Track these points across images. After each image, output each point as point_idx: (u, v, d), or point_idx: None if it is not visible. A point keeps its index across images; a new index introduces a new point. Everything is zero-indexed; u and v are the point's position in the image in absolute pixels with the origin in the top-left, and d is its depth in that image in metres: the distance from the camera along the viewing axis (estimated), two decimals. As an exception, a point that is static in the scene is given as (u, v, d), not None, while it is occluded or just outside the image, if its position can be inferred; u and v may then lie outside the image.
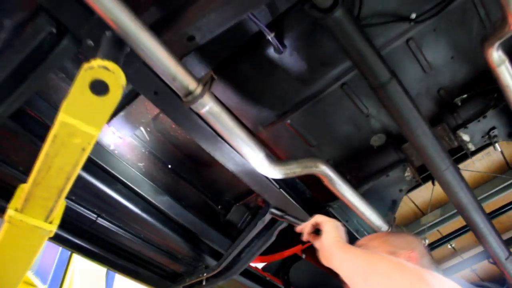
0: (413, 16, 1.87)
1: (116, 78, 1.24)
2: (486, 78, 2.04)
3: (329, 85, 2.07)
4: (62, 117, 1.30)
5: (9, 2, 1.40)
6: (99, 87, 1.26)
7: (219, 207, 2.53)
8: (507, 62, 1.79)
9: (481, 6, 1.89)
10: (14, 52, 1.43)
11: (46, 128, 1.41)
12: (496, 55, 1.75)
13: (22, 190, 1.60)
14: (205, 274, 2.36)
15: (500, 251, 2.65)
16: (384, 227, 2.35)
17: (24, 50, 1.43)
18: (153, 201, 2.12)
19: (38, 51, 1.45)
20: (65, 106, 1.28)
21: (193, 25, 1.47)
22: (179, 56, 1.52)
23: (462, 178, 2.22)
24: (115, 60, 1.28)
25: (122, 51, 1.41)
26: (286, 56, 1.93)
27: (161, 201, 2.14)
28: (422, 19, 1.88)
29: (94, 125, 1.34)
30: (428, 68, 2.10)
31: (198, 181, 2.40)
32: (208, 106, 1.52)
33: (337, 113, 2.22)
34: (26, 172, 1.83)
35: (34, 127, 1.80)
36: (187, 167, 2.30)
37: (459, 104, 2.25)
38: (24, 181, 1.49)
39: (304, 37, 1.89)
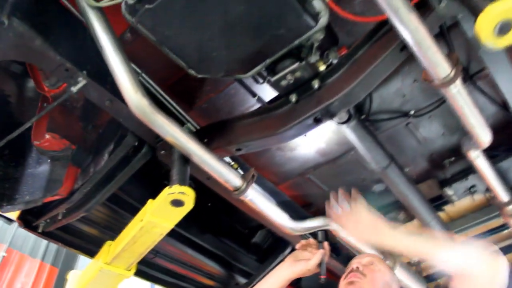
0: (412, 112, 2.35)
1: (190, 198, 1.78)
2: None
3: (343, 153, 2.58)
4: (149, 217, 1.85)
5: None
6: (177, 203, 1.78)
7: (246, 231, 3.11)
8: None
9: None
10: (110, 160, 1.95)
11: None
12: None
13: (109, 247, 2.18)
14: (236, 291, 2.99)
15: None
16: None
17: (116, 158, 1.95)
18: (196, 239, 2.69)
19: (124, 158, 1.97)
20: (151, 211, 1.83)
21: (242, 142, 1.96)
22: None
23: (440, 221, 2.76)
24: (187, 181, 1.81)
25: (188, 166, 1.92)
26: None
27: (203, 238, 2.72)
28: (419, 114, 2.35)
29: (171, 222, 1.89)
30: (423, 140, 2.59)
31: (232, 212, 2.96)
32: (250, 196, 2.05)
33: (347, 170, 2.74)
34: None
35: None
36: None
37: (447, 165, 2.74)
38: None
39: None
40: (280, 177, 2.79)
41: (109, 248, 2.19)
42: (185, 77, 1.77)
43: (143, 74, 2.00)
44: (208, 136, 2.07)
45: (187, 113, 2.21)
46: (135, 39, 1.95)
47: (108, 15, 1.60)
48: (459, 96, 1.69)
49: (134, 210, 2.34)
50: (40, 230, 2.26)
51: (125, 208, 2.42)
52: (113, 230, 2.50)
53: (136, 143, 1.96)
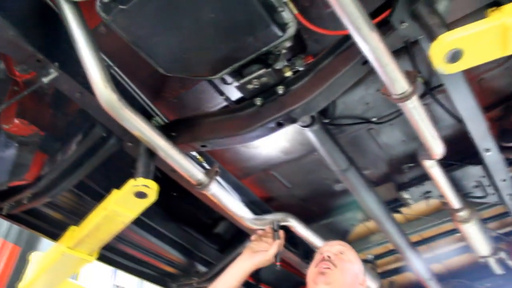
0: (374, 119, 2.46)
1: (153, 191, 1.85)
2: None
3: (306, 153, 2.68)
4: (113, 206, 1.91)
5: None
6: (141, 195, 1.85)
7: (209, 221, 3.19)
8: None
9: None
10: (78, 149, 1.99)
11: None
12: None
13: (73, 232, 2.23)
14: (196, 279, 3.07)
15: (423, 271, 3.39)
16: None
17: (84, 147, 2.00)
18: (159, 228, 2.76)
19: (93, 149, 2.02)
20: (115, 200, 1.89)
21: (207, 140, 2.03)
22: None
23: (395, 223, 2.89)
24: (151, 175, 1.87)
25: (153, 161, 1.98)
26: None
27: (166, 227, 2.79)
28: (381, 122, 2.46)
29: (133, 213, 1.95)
30: (383, 145, 2.71)
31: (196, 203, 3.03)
32: (212, 190, 2.13)
33: (310, 168, 2.84)
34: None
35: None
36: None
37: (406, 170, 2.87)
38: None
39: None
40: (244, 172, 2.87)
41: (72, 233, 2.23)
42: (156, 72, 1.81)
43: (115, 68, 2.03)
44: (176, 130, 2.13)
45: (156, 106, 2.25)
46: (109, 32, 1.98)
47: (84, 8, 1.64)
48: (415, 111, 1.80)
49: (98, 196, 2.40)
50: (4, 213, 2.28)
51: (89, 193, 2.46)
52: (77, 214, 2.53)
53: (104, 134, 2.00)
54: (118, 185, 2.31)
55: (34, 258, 2.65)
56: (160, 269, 3.22)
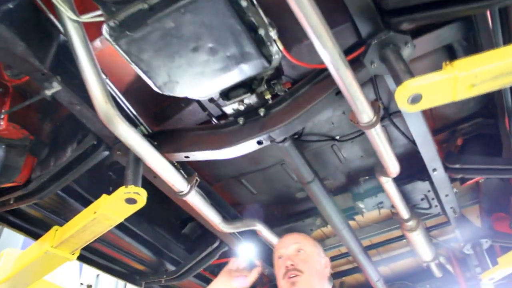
0: (338, 137, 2.73)
1: (142, 198, 2.02)
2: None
3: (274, 164, 2.92)
4: (103, 210, 2.06)
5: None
6: (130, 201, 2.02)
7: (178, 222, 3.37)
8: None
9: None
10: (70, 155, 2.13)
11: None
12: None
13: (56, 231, 2.35)
14: (164, 277, 3.24)
15: (372, 273, 3.71)
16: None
17: (76, 154, 2.14)
18: (132, 227, 2.91)
19: (83, 154, 2.16)
20: (105, 205, 2.05)
21: (190, 151, 2.22)
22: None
23: (350, 229, 3.18)
24: (140, 182, 2.05)
25: (140, 168, 2.15)
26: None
27: (138, 226, 2.94)
28: (344, 140, 2.74)
29: (122, 216, 2.12)
30: (344, 160, 2.99)
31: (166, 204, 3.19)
32: (191, 198, 2.33)
33: (275, 178, 3.07)
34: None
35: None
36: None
37: (362, 182, 3.16)
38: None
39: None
40: (215, 178, 3.07)
41: (55, 233, 2.36)
42: (144, 85, 1.97)
43: (107, 80, 2.18)
44: (158, 140, 2.30)
45: (140, 116, 2.41)
46: (105, 47, 2.13)
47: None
48: (377, 136, 2.07)
49: (79, 197, 2.54)
50: (-14, 213, 2.38)
51: (70, 195, 2.59)
52: (57, 214, 2.66)
53: (95, 142, 2.15)
54: (97, 186, 2.48)
55: (8, 255, 2.74)
56: (130, 266, 3.36)
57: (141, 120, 2.37)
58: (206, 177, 3.05)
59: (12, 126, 2.21)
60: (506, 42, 1.84)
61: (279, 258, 2.11)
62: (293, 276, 1.94)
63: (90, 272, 5.31)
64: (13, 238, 4.46)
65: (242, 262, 2.14)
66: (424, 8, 1.66)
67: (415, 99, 1.63)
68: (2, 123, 2.21)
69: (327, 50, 1.64)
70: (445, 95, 1.63)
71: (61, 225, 2.54)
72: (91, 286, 5.14)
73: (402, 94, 1.62)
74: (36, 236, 2.60)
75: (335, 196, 3.20)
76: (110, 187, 2.69)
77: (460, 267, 4.27)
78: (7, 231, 4.46)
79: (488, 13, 1.86)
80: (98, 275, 5.72)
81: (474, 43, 2.16)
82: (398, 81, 1.67)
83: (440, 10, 1.64)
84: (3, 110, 2.18)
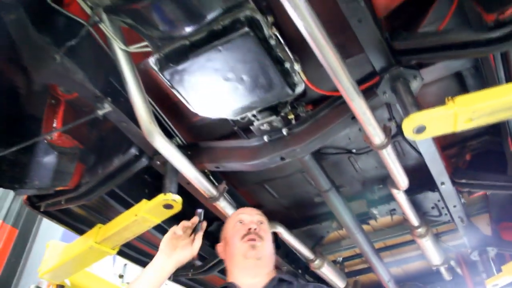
0: (354, 150, 2.97)
1: (179, 204, 2.31)
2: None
3: (294, 172, 3.18)
4: (143, 214, 2.36)
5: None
6: (168, 207, 2.31)
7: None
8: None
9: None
10: (116, 164, 2.43)
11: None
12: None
13: (99, 229, 2.66)
14: (191, 271, 3.53)
15: (384, 274, 3.96)
16: (310, 256, 3.57)
17: (120, 163, 2.44)
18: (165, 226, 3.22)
19: (126, 164, 2.46)
20: (146, 209, 2.34)
21: (221, 163, 2.50)
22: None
23: (364, 232, 3.43)
24: (176, 190, 2.33)
25: (177, 176, 2.44)
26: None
27: (170, 225, 3.24)
28: (359, 153, 2.98)
29: (159, 219, 2.41)
30: (359, 170, 3.23)
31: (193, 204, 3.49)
32: (222, 202, 2.60)
33: (296, 184, 3.33)
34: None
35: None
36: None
37: (376, 190, 3.40)
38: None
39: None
40: (240, 182, 3.34)
41: (98, 230, 2.68)
42: (180, 102, 2.23)
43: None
44: (192, 150, 2.59)
45: (175, 128, 2.69)
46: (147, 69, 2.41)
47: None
48: (388, 156, 2.32)
49: (117, 198, 2.84)
50: (41, 210, 2.69)
51: (110, 196, 2.88)
52: (99, 212, 2.97)
53: (137, 153, 2.44)
54: (134, 188, 2.77)
55: (53, 246, 3.08)
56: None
57: (176, 132, 2.65)
58: (232, 182, 3.31)
59: (65, 136, 2.51)
60: (507, 78, 2.05)
61: (239, 222, 2.02)
62: (254, 240, 1.88)
63: (118, 263, 5.66)
64: (53, 229, 4.81)
65: (183, 227, 1.90)
66: (430, 51, 1.89)
67: (420, 130, 1.87)
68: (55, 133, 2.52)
69: (342, 84, 1.89)
70: (446, 127, 1.87)
71: (101, 222, 2.87)
72: (122, 276, 5.47)
73: (408, 125, 1.86)
74: (79, 231, 2.90)
75: (351, 202, 3.43)
76: (145, 189, 3.00)
77: (469, 272, 4.47)
78: (47, 223, 4.80)
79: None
80: (125, 265, 6.07)
81: (482, 70, 2.37)
82: (405, 113, 1.91)
83: (445, 53, 1.87)
84: (54, 125, 2.48)
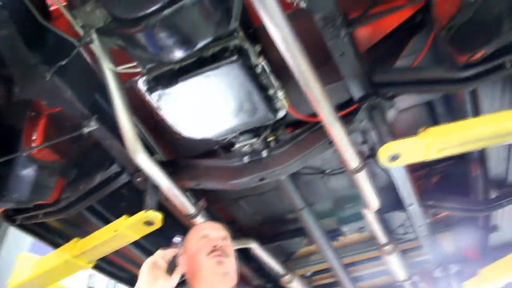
0: (328, 171, 3.09)
1: (158, 221, 2.36)
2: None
3: (270, 190, 3.27)
4: (123, 229, 2.39)
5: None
6: (148, 223, 2.35)
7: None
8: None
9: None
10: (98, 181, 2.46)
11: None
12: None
13: (76, 243, 2.67)
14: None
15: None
16: (281, 271, 3.67)
17: (101, 179, 2.47)
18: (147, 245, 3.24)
19: (107, 180, 2.49)
20: (126, 225, 2.38)
21: (201, 181, 2.56)
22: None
23: (333, 248, 3.54)
24: (157, 207, 2.38)
25: (157, 193, 2.49)
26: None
27: (152, 242, 3.28)
28: (333, 173, 3.10)
29: (139, 235, 2.45)
30: (332, 189, 3.35)
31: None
32: (200, 220, 2.66)
33: (270, 201, 3.43)
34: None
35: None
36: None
37: (347, 208, 3.53)
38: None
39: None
40: (216, 198, 3.40)
41: (75, 244, 2.68)
42: (162, 121, 2.29)
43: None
44: (173, 167, 2.64)
45: (156, 144, 2.74)
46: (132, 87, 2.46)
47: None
48: (362, 178, 2.44)
49: (94, 211, 2.86)
50: (16, 224, 2.68)
51: (87, 209, 2.89)
52: (75, 226, 2.98)
53: (119, 170, 2.48)
54: (111, 201, 2.79)
55: (23, 259, 3.05)
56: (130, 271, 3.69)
57: (157, 149, 2.70)
58: (208, 197, 3.35)
59: (46, 150, 2.51)
60: (474, 112, 2.20)
61: (203, 237, 1.96)
62: (221, 256, 1.86)
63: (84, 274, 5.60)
64: (21, 241, 4.72)
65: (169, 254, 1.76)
66: (406, 84, 2.03)
67: (394, 158, 2.00)
68: (34, 144, 2.52)
69: (323, 113, 2.00)
70: (418, 156, 2.01)
71: (77, 235, 2.87)
72: (92, 288, 5.43)
73: (384, 153, 1.99)
74: (54, 244, 2.90)
75: (322, 219, 3.55)
76: (122, 203, 3.03)
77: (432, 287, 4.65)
78: (14, 233, 4.71)
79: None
80: (90, 275, 6.01)
81: (451, 101, 2.53)
82: (381, 142, 2.04)
83: (419, 87, 2.01)
84: (34, 137, 2.48)
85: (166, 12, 1.68)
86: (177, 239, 1.82)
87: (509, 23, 1.66)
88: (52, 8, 2.15)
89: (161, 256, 1.75)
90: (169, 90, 2.00)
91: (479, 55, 1.76)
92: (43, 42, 2.06)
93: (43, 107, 2.49)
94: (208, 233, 1.98)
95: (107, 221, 2.91)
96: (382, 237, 3.37)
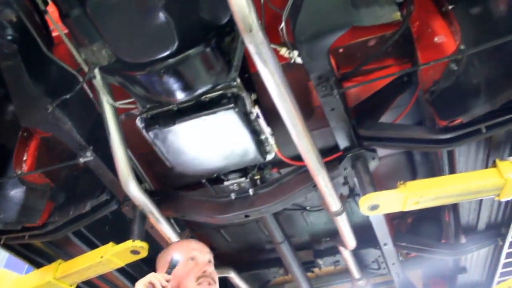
0: (308, 207, 3.21)
1: (145, 250, 2.43)
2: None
3: (251, 221, 3.36)
4: (109, 257, 2.45)
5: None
6: (134, 252, 2.42)
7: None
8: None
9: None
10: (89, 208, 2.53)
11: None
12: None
13: (59, 265, 2.71)
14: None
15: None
16: (258, 300, 3.76)
17: (89, 206, 2.54)
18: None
19: (97, 207, 2.56)
20: (112, 253, 2.44)
21: (187, 213, 2.65)
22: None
23: (308, 279, 3.65)
24: (143, 237, 2.46)
25: (145, 223, 2.57)
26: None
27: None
28: (313, 210, 3.22)
29: (124, 263, 2.51)
30: (310, 223, 3.47)
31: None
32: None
33: (250, 231, 3.52)
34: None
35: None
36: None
37: (323, 242, 3.65)
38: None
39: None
40: (198, 226, 3.47)
41: (58, 266, 2.72)
42: (152, 152, 2.38)
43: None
44: (160, 197, 2.72)
45: (145, 173, 2.82)
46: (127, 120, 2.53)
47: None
48: (341, 221, 2.57)
49: (78, 233, 2.91)
50: (1, 243, 2.71)
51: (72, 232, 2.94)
52: (59, 247, 3.01)
53: (108, 198, 2.55)
54: (95, 225, 2.85)
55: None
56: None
57: (147, 178, 2.78)
58: (190, 225, 3.44)
59: (38, 174, 2.57)
60: (449, 169, 2.36)
61: (192, 259, 1.92)
62: (210, 284, 1.84)
63: None
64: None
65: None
66: (389, 140, 2.17)
67: (374, 207, 2.13)
68: (25, 165, 2.58)
69: (310, 162, 2.12)
70: (396, 207, 2.14)
71: (60, 257, 2.91)
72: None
73: (364, 203, 2.12)
74: (36, 265, 2.93)
75: (299, 251, 3.65)
76: (106, 227, 3.09)
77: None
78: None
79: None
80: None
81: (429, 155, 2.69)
82: (363, 191, 2.16)
83: (401, 144, 2.16)
84: (25, 158, 2.54)
85: (172, 60, 1.78)
86: (174, 259, 1.84)
87: (485, 96, 1.82)
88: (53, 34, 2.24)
89: (155, 278, 1.71)
90: (165, 130, 2.10)
91: (458, 121, 1.91)
92: (46, 73, 2.14)
93: (36, 129, 2.56)
94: (196, 255, 1.93)
95: (90, 244, 2.97)
96: (356, 273, 3.51)
